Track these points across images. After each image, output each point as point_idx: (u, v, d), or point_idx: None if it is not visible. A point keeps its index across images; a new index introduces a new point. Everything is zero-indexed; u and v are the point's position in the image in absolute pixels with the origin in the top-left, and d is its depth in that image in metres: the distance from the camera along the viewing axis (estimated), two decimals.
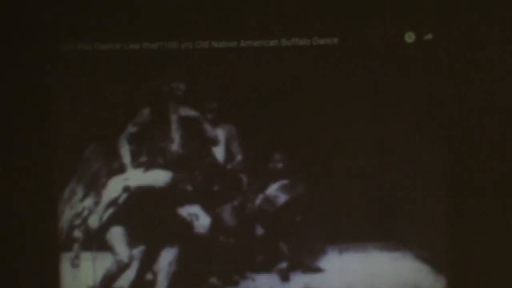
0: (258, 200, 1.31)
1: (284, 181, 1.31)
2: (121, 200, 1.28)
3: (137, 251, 1.28)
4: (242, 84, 1.26)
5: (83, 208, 1.28)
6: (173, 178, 1.29)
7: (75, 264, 1.27)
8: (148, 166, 1.30)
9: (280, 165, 1.30)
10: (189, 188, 1.29)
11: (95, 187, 1.29)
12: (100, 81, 1.27)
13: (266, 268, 1.29)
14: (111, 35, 1.27)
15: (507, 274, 1.24)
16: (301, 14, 1.26)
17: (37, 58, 1.25)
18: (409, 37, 1.27)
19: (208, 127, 1.31)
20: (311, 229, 1.29)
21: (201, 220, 1.29)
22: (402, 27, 1.27)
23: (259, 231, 1.30)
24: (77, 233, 1.28)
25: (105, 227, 1.28)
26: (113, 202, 1.28)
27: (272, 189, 1.31)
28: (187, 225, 1.28)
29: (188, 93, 1.29)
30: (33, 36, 1.25)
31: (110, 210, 1.28)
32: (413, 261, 1.27)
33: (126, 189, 1.29)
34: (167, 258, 1.28)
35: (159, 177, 1.29)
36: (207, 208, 1.29)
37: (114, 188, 1.29)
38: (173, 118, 1.30)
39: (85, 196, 1.29)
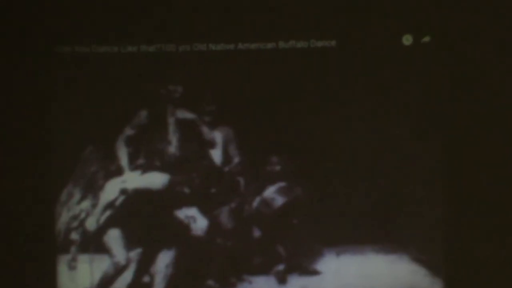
0: (255, 202, 1.31)
1: (282, 184, 1.31)
2: (118, 202, 1.28)
3: (134, 253, 1.28)
4: (239, 87, 1.26)
5: (80, 210, 1.28)
6: (171, 181, 1.29)
7: (72, 267, 1.27)
8: (146, 168, 1.30)
9: (277, 168, 1.30)
10: (187, 190, 1.29)
11: (92, 189, 1.28)
12: (98, 83, 1.27)
13: (263, 270, 1.29)
14: (109, 38, 1.27)
15: (503, 277, 1.24)
16: (299, 16, 1.26)
17: (34, 60, 1.25)
18: (407, 40, 1.27)
19: (205, 130, 1.30)
20: (308, 231, 1.29)
21: (198, 223, 1.29)
22: (400, 29, 1.27)
23: (256, 233, 1.30)
24: (74, 236, 1.27)
25: (102, 229, 1.28)
26: (110, 205, 1.28)
27: (270, 192, 1.31)
28: (184, 227, 1.28)
29: (185, 95, 1.29)
30: (30, 39, 1.25)
31: (108, 213, 1.28)
32: (409, 264, 1.27)
33: (123, 191, 1.29)
34: (164, 260, 1.28)
35: (157, 179, 1.29)
36: (205, 211, 1.29)
37: (111, 190, 1.29)
38: (171, 120, 1.30)
39: (82, 198, 1.28)
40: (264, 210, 1.31)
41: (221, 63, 1.26)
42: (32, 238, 1.24)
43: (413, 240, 1.27)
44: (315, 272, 1.29)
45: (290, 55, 1.26)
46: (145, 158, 1.30)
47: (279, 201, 1.31)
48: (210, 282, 1.28)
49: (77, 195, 1.28)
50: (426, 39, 1.27)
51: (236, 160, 1.31)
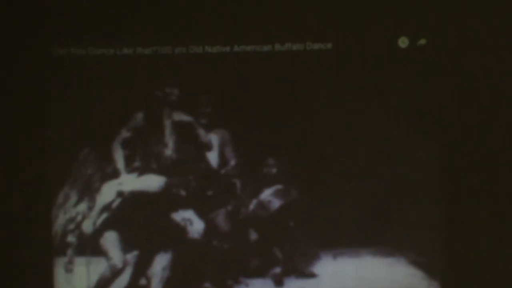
0: (252, 205, 1.30)
1: (278, 186, 1.31)
2: (114, 205, 1.28)
3: (131, 256, 1.28)
4: (235, 89, 1.26)
5: (76, 213, 1.28)
6: (167, 183, 1.29)
7: (69, 269, 1.26)
8: (142, 171, 1.29)
9: (274, 170, 1.30)
10: (183, 193, 1.29)
11: (88, 192, 1.28)
12: (94, 85, 1.27)
13: (260, 273, 1.29)
14: (105, 40, 1.26)
15: (501, 280, 1.24)
16: (295, 19, 1.26)
17: (31, 62, 1.25)
18: (403, 42, 1.27)
19: (201, 132, 1.30)
20: (305, 234, 1.28)
21: (195, 225, 1.28)
22: (396, 32, 1.27)
23: (253, 236, 1.30)
24: (71, 238, 1.27)
25: (99, 232, 1.28)
26: (106, 207, 1.28)
27: (266, 194, 1.31)
28: (181, 230, 1.28)
29: (181, 98, 1.29)
30: (27, 41, 1.25)
31: (104, 215, 1.28)
32: (407, 267, 1.27)
33: (119, 194, 1.28)
34: (161, 263, 1.28)
35: (153, 182, 1.29)
36: (201, 213, 1.29)
37: (107, 193, 1.29)
38: (167, 123, 1.30)
39: (79, 201, 1.28)
40: (260, 213, 1.30)
41: (217, 66, 1.26)
42: (29, 240, 1.23)
43: (410, 243, 1.27)
44: (311, 275, 1.28)
45: (286, 58, 1.26)
46: (142, 160, 1.29)
47: (276, 203, 1.31)
48: (207, 284, 1.28)
49: (73, 198, 1.28)
50: (422, 41, 1.27)
51: (232, 162, 1.30)
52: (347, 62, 1.26)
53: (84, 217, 1.28)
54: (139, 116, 1.29)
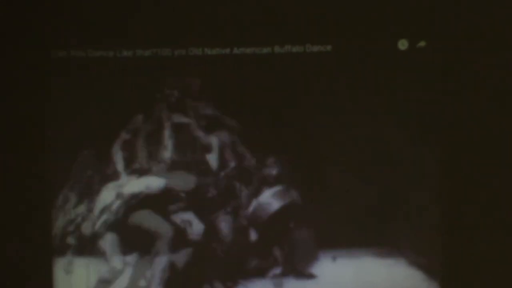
0: (252, 206, 1.30)
1: (278, 187, 1.31)
2: (114, 207, 1.28)
3: (131, 257, 1.28)
4: (235, 91, 1.26)
5: (76, 215, 1.28)
6: (167, 185, 1.29)
7: (68, 271, 1.26)
8: (142, 173, 1.29)
9: (273, 171, 1.30)
10: (182, 194, 1.29)
11: (88, 193, 1.28)
12: (93, 88, 1.27)
13: (259, 274, 1.28)
14: (104, 42, 1.26)
15: (501, 281, 1.24)
16: (294, 21, 1.25)
17: (30, 65, 1.24)
18: (402, 45, 1.27)
19: (201, 134, 1.30)
20: (304, 235, 1.28)
21: (195, 227, 1.28)
22: (395, 34, 1.27)
23: (253, 236, 1.30)
24: (71, 240, 1.27)
25: (98, 234, 1.28)
26: (106, 209, 1.28)
27: (266, 195, 1.31)
28: (181, 232, 1.28)
29: (181, 100, 1.29)
30: (26, 43, 1.24)
31: (104, 217, 1.28)
32: (407, 268, 1.28)
33: (119, 196, 1.28)
34: (160, 265, 1.28)
35: (153, 183, 1.29)
36: (201, 215, 1.29)
37: (107, 195, 1.29)
38: (166, 125, 1.30)
39: (78, 202, 1.28)
40: (260, 214, 1.30)
41: (217, 68, 1.26)
42: (28, 241, 1.24)
43: (411, 244, 1.27)
44: (311, 276, 1.29)
45: (286, 60, 1.26)
46: (141, 162, 1.29)
47: (276, 204, 1.31)
48: (206, 285, 1.28)
49: (73, 200, 1.28)
50: (422, 43, 1.27)
51: (232, 164, 1.30)
52: (347, 64, 1.26)
53: (83, 219, 1.28)
54: (139, 118, 1.29)
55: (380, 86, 1.26)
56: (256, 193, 1.31)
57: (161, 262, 1.28)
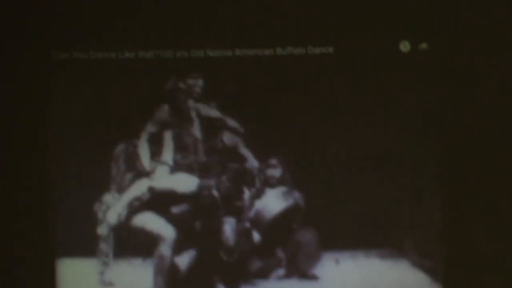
0: (255, 207, 1.31)
1: (282, 188, 1.31)
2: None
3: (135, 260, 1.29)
4: (237, 93, 1.26)
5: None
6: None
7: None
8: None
9: (277, 173, 1.30)
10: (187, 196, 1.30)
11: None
12: (95, 89, 1.27)
13: (262, 275, 1.29)
14: (106, 44, 1.26)
15: (503, 283, 1.24)
16: (296, 23, 1.25)
17: (32, 66, 1.25)
18: (404, 47, 1.27)
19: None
20: (307, 236, 1.29)
21: None
22: (397, 36, 1.26)
23: (256, 238, 1.30)
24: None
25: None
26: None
27: (269, 197, 1.31)
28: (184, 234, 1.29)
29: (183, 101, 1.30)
30: (28, 45, 1.25)
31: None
32: (409, 269, 1.27)
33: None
34: (163, 267, 1.28)
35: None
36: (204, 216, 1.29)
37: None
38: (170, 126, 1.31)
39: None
40: (263, 216, 1.31)
41: (219, 69, 1.26)
42: (31, 242, 1.24)
43: (413, 245, 1.27)
44: (314, 278, 1.29)
45: (288, 62, 1.26)
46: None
47: (279, 206, 1.31)
48: (209, 286, 1.28)
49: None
50: (424, 45, 1.26)
51: (235, 165, 1.30)
52: (349, 66, 1.26)
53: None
54: (141, 120, 1.29)
55: (382, 88, 1.26)
56: (259, 194, 1.31)
57: (164, 264, 1.28)
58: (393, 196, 1.27)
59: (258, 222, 1.31)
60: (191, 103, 1.30)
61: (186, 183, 1.29)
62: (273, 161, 1.29)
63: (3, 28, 1.25)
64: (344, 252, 1.28)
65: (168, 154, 1.30)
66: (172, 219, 1.29)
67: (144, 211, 1.30)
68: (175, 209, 1.29)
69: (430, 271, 1.27)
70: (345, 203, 1.27)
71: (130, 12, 1.25)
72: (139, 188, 1.30)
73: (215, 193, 1.29)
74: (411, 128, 1.27)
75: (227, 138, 1.29)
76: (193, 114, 1.30)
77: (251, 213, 1.30)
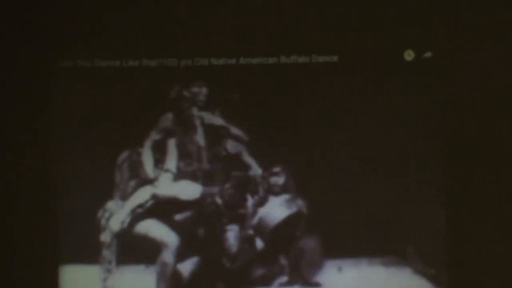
0: (258, 215, 1.31)
1: (285, 196, 1.31)
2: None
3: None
4: (241, 101, 1.26)
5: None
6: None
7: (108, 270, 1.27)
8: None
9: (280, 181, 1.30)
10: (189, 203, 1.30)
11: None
12: (99, 97, 1.27)
13: (265, 282, 1.29)
14: (111, 52, 1.27)
15: None
16: (301, 31, 1.26)
17: (36, 74, 1.25)
18: (408, 55, 1.27)
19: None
20: (310, 244, 1.29)
21: None
22: (402, 45, 1.27)
23: (259, 245, 1.30)
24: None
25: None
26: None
27: (272, 204, 1.31)
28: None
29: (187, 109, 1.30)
30: (33, 53, 1.25)
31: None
32: (413, 277, 1.28)
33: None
34: (166, 274, 1.28)
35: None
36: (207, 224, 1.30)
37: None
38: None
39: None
40: (266, 223, 1.31)
41: (223, 78, 1.26)
42: (35, 249, 1.24)
43: (416, 253, 1.27)
44: (317, 285, 1.29)
45: (292, 70, 1.27)
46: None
47: (282, 213, 1.31)
48: None
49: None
50: (428, 54, 1.27)
51: (239, 173, 1.31)
52: (353, 75, 1.26)
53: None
54: (144, 128, 1.30)
55: (386, 97, 1.27)
56: (263, 202, 1.31)
57: (167, 271, 1.28)
58: (397, 204, 1.27)
59: (261, 229, 1.31)
60: (195, 111, 1.30)
61: (189, 190, 1.29)
62: (277, 169, 1.29)
63: (8, 35, 1.25)
64: (347, 259, 1.28)
65: (171, 162, 1.30)
66: (175, 226, 1.29)
67: (148, 218, 1.29)
68: (179, 217, 1.29)
69: (434, 279, 1.27)
70: (348, 211, 1.27)
71: (134, 20, 1.26)
72: (143, 195, 1.30)
73: (218, 200, 1.29)
74: (415, 137, 1.27)
75: (231, 146, 1.29)
76: (197, 122, 1.30)
77: (255, 221, 1.31)
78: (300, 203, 1.30)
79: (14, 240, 1.24)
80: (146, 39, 1.26)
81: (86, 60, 1.27)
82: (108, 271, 1.28)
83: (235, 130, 1.28)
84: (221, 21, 1.26)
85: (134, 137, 1.29)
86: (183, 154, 1.31)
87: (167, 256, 1.28)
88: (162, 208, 1.30)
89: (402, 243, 1.28)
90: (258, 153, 1.28)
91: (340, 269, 1.28)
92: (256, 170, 1.29)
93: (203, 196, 1.29)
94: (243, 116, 1.27)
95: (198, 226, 1.29)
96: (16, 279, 1.24)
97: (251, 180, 1.30)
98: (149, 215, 1.30)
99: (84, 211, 1.27)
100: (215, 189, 1.29)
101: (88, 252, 1.28)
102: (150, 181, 1.31)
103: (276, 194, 1.31)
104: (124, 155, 1.29)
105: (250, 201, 1.30)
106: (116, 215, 1.28)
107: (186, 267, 1.28)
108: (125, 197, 1.30)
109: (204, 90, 1.28)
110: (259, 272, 1.29)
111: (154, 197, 1.30)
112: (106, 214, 1.28)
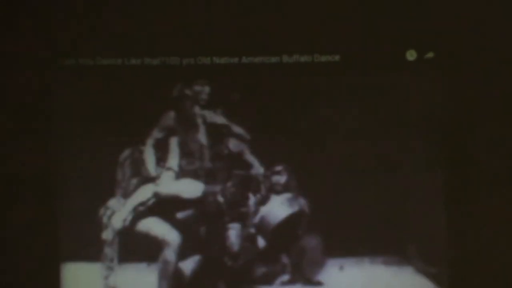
0: (260, 213, 1.31)
1: (286, 195, 1.31)
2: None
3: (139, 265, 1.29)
4: (243, 100, 1.26)
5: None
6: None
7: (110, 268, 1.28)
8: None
9: (282, 179, 1.30)
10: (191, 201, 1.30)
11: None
12: (101, 96, 1.27)
13: (267, 280, 1.29)
14: (113, 50, 1.27)
15: None
16: (303, 31, 1.26)
17: (38, 73, 1.25)
18: (411, 55, 1.27)
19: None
20: (312, 243, 1.29)
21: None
22: (404, 45, 1.27)
23: (261, 244, 1.30)
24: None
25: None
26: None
27: (274, 203, 1.31)
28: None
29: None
30: (34, 51, 1.25)
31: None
32: (414, 276, 1.28)
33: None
34: (167, 272, 1.28)
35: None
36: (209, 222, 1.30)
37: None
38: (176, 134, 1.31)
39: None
40: (268, 222, 1.31)
41: (225, 77, 1.26)
42: (36, 247, 1.24)
43: (418, 252, 1.27)
44: (318, 284, 1.29)
45: (294, 69, 1.27)
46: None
47: (284, 212, 1.31)
48: None
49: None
50: (430, 54, 1.27)
51: (241, 172, 1.31)
52: (355, 75, 1.26)
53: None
54: (146, 126, 1.30)
55: (388, 96, 1.27)
56: (264, 201, 1.31)
57: (168, 269, 1.28)
58: (398, 203, 1.27)
59: (263, 228, 1.31)
60: (197, 109, 1.30)
61: (191, 188, 1.29)
62: (279, 167, 1.29)
63: (9, 33, 1.25)
64: (349, 258, 1.28)
65: (173, 160, 1.30)
66: (177, 225, 1.29)
67: (149, 216, 1.29)
68: (180, 215, 1.29)
69: (435, 278, 1.27)
70: (350, 209, 1.27)
71: (136, 18, 1.26)
72: (145, 193, 1.30)
73: (220, 199, 1.29)
74: (416, 136, 1.27)
75: (233, 144, 1.29)
76: (199, 121, 1.30)
77: (256, 219, 1.31)
78: (302, 202, 1.30)
79: (16, 238, 1.24)
80: (148, 37, 1.26)
81: (88, 58, 1.27)
82: (110, 269, 1.28)
83: (237, 129, 1.28)
84: (223, 20, 1.25)
85: (136, 135, 1.29)
86: (185, 153, 1.31)
87: (169, 254, 1.28)
88: (164, 206, 1.29)
89: (404, 242, 1.28)
90: (260, 151, 1.28)
91: (341, 268, 1.28)
92: (258, 168, 1.29)
93: (205, 195, 1.29)
94: (245, 115, 1.27)
95: (200, 225, 1.29)
96: (18, 277, 1.24)
97: (253, 178, 1.30)
98: (151, 213, 1.30)
99: (85, 209, 1.27)
100: (217, 188, 1.29)
101: (89, 250, 1.27)
102: (152, 179, 1.31)
103: (278, 192, 1.31)
104: (126, 153, 1.29)
105: (252, 200, 1.30)
106: (118, 213, 1.28)
107: (188, 265, 1.28)
108: (127, 195, 1.30)
109: (206, 89, 1.28)
110: (260, 270, 1.29)
111: (156, 195, 1.30)
112: (108, 212, 1.28)
